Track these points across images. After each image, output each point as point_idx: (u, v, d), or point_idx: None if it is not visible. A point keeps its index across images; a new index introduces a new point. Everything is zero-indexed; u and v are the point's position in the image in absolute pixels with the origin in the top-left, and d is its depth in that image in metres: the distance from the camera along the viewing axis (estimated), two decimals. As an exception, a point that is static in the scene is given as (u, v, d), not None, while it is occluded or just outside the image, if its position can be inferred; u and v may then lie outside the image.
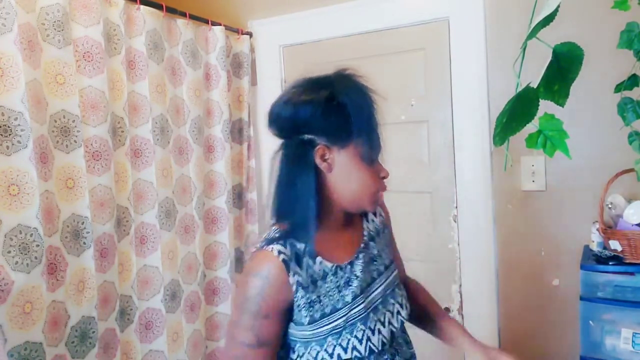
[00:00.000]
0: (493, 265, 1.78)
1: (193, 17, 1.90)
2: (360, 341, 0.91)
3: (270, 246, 0.90)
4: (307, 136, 0.90)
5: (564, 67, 0.76)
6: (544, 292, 1.71)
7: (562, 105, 0.78)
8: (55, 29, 1.36)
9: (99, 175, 1.48)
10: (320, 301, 0.91)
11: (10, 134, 1.22)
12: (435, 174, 1.91)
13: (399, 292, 1.03)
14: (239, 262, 2.13)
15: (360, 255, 0.98)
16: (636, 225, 1.34)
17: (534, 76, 0.78)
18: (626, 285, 1.40)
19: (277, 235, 0.92)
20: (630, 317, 1.37)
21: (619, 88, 1.22)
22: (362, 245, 1.00)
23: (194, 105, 1.89)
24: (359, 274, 0.96)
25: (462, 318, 1.86)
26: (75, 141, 1.40)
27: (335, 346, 0.90)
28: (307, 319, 0.90)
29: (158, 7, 1.72)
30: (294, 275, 0.89)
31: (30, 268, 1.24)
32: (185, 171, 1.87)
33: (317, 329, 0.91)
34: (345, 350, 0.90)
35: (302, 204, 0.90)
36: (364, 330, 0.92)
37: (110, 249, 1.53)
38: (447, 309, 1.89)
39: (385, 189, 0.97)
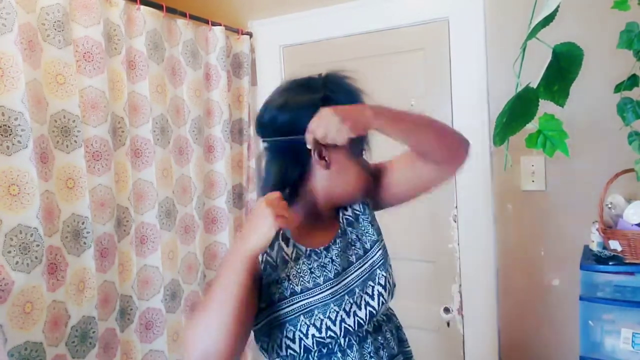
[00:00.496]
0: (493, 265, 1.78)
1: (193, 17, 1.90)
2: (334, 322, 0.93)
3: None
4: (303, 137, 0.92)
5: (564, 67, 0.77)
6: (544, 292, 1.71)
7: (562, 105, 0.78)
8: (55, 29, 1.36)
9: (99, 175, 1.48)
10: (289, 279, 0.94)
11: (10, 134, 1.22)
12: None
13: (381, 273, 1.02)
14: (239, 262, 2.12)
15: (338, 241, 1.01)
16: (636, 225, 1.34)
17: (534, 76, 0.78)
18: (626, 285, 1.40)
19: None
20: (630, 317, 1.37)
21: (618, 88, 1.22)
22: (339, 231, 1.03)
23: (194, 106, 1.89)
24: (335, 258, 0.98)
25: (462, 318, 1.87)
26: (75, 141, 1.41)
27: (308, 326, 0.92)
28: (277, 295, 0.93)
29: (158, 7, 1.72)
30: (262, 254, 0.93)
31: (31, 268, 1.24)
32: (186, 171, 1.87)
33: (288, 306, 0.93)
34: (319, 330, 0.92)
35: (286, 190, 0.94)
36: (337, 312, 0.94)
37: (110, 249, 1.53)
38: (447, 309, 1.89)
39: (371, 182, 1.02)
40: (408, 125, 0.99)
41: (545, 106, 0.77)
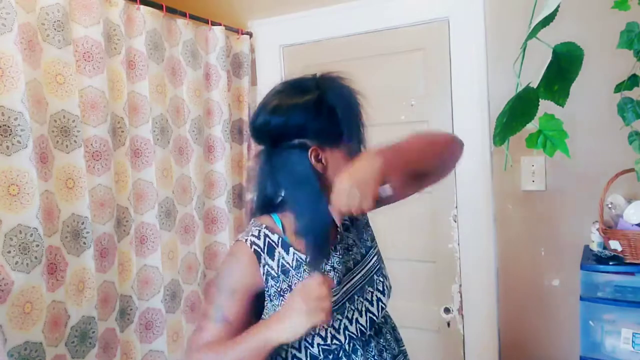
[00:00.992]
0: (493, 265, 1.78)
1: (193, 17, 1.90)
2: (338, 330, 0.92)
3: (246, 238, 0.94)
4: (297, 140, 0.90)
5: (564, 67, 0.76)
6: (544, 292, 1.71)
7: (562, 105, 0.78)
8: (55, 29, 1.36)
9: (99, 175, 1.48)
10: (291, 290, 0.92)
11: (10, 134, 1.22)
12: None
13: (378, 278, 1.03)
14: (239, 262, 2.12)
15: (338, 247, 1.00)
16: (636, 225, 1.34)
17: (534, 76, 0.78)
18: (626, 285, 1.40)
19: (253, 228, 0.96)
20: (630, 317, 1.37)
21: (619, 88, 1.22)
22: (338, 237, 1.01)
23: (194, 105, 1.89)
24: (336, 265, 0.97)
25: (462, 318, 1.87)
26: (75, 141, 1.40)
27: (313, 335, 0.91)
28: (280, 308, 0.91)
29: (158, 7, 1.72)
30: (264, 266, 0.92)
31: (30, 268, 1.24)
32: (185, 171, 1.87)
33: None
34: (324, 339, 0.91)
35: (314, 207, 0.89)
36: (340, 320, 0.93)
37: (110, 249, 1.53)
38: (447, 309, 1.89)
39: None
40: (411, 160, 0.95)
41: (545, 106, 0.77)
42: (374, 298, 1.00)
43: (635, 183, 1.28)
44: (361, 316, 0.96)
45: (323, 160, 0.92)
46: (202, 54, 1.95)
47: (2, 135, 1.21)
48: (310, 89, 0.92)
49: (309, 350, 0.92)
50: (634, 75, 1.19)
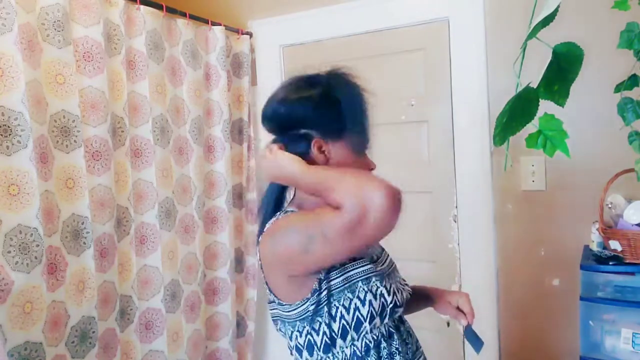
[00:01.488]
0: (493, 265, 1.78)
1: (193, 17, 1.90)
2: (388, 292, 0.95)
3: (292, 209, 0.99)
4: (303, 131, 0.94)
5: (564, 67, 0.76)
6: (544, 292, 1.71)
7: (562, 105, 0.78)
8: (55, 29, 1.36)
9: (99, 175, 1.48)
10: None
11: (10, 134, 1.22)
12: (435, 174, 1.91)
13: (399, 272, 1.10)
14: (239, 262, 2.13)
15: None
16: (636, 225, 1.34)
17: (534, 76, 0.78)
18: (626, 285, 1.40)
19: (288, 209, 1.01)
20: (630, 317, 1.37)
21: (619, 88, 1.22)
22: None
23: (194, 105, 1.89)
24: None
25: (462, 318, 1.87)
26: (75, 141, 1.40)
27: (366, 292, 0.93)
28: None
29: (158, 7, 1.72)
30: None
31: (30, 268, 1.24)
32: (185, 171, 1.87)
33: (348, 272, 0.94)
34: (375, 296, 0.94)
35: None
36: (387, 284, 0.96)
37: (110, 249, 1.53)
38: (447, 309, 1.89)
39: None
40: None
41: (545, 106, 0.77)
42: (403, 282, 1.07)
43: (635, 183, 1.27)
44: (398, 292, 0.99)
45: (326, 152, 0.95)
46: (202, 54, 1.95)
47: (2, 135, 1.21)
48: (318, 83, 0.96)
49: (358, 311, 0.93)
50: (634, 75, 1.19)
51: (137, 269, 1.65)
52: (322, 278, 0.93)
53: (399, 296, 0.98)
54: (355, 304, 0.93)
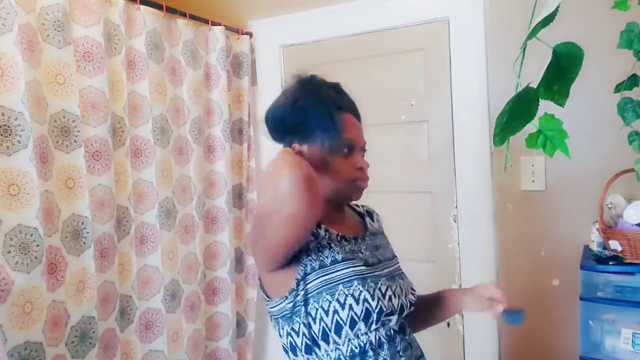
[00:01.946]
0: (493, 265, 1.78)
1: (193, 17, 1.90)
2: (372, 297, 0.94)
3: None
4: (287, 136, 1.01)
5: (564, 67, 0.76)
6: (544, 292, 1.71)
7: (562, 105, 0.78)
8: (55, 29, 1.36)
9: (99, 175, 1.48)
10: (330, 248, 0.98)
11: (10, 134, 1.22)
12: (435, 174, 1.91)
13: (406, 279, 1.09)
14: (239, 262, 2.13)
15: (367, 239, 1.07)
16: (636, 225, 1.34)
17: (534, 76, 0.78)
18: (626, 285, 1.40)
19: None
20: (630, 317, 1.37)
21: (618, 88, 1.22)
22: (367, 232, 1.10)
23: (194, 105, 1.89)
24: (363, 250, 1.03)
25: (462, 318, 1.86)
26: (75, 141, 1.41)
27: (347, 296, 0.93)
28: (317, 263, 0.95)
29: (158, 7, 1.72)
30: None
31: (30, 268, 1.24)
32: (185, 171, 1.87)
33: (328, 274, 0.95)
34: (357, 300, 0.92)
35: None
36: (374, 289, 0.95)
37: (110, 249, 1.53)
38: (447, 309, 1.89)
39: (363, 178, 1.04)
40: None
41: (546, 106, 0.77)
42: (406, 286, 1.05)
43: (635, 183, 1.28)
44: (395, 297, 0.99)
45: (304, 155, 0.97)
46: (202, 54, 1.95)
47: (2, 135, 1.21)
48: (289, 91, 1.01)
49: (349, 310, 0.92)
50: (634, 75, 1.19)
51: (137, 269, 1.65)
52: (300, 278, 0.95)
53: (387, 303, 0.95)
54: (335, 307, 0.93)
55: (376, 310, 0.93)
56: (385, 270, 1.04)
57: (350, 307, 0.92)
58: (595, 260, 1.41)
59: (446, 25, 1.82)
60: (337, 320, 0.92)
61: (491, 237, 1.78)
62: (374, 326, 0.94)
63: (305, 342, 0.96)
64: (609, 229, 1.39)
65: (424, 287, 2.01)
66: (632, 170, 1.26)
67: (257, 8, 2.16)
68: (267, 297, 1.02)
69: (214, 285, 2.00)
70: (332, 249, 0.98)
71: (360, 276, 0.95)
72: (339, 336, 0.93)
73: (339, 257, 0.97)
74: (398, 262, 1.11)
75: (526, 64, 0.79)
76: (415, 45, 1.90)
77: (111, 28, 1.56)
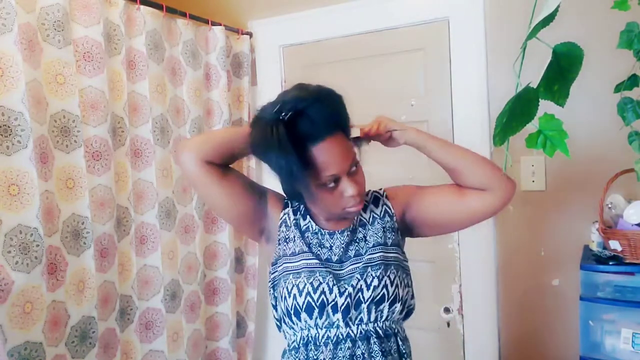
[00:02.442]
0: (493, 265, 1.78)
1: (193, 17, 1.90)
2: (315, 290, 1.00)
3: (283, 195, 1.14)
4: None
5: (564, 67, 0.76)
6: (544, 292, 1.71)
7: (562, 105, 0.78)
8: (55, 29, 1.36)
9: (99, 175, 1.48)
10: (294, 240, 1.07)
11: (10, 134, 1.22)
12: (435, 174, 1.91)
13: (374, 274, 1.02)
14: (239, 262, 2.13)
15: (345, 233, 1.09)
16: (636, 225, 1.34)
17: (534, 76, 0.78)
18: (626, 285, 1.40)
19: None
20: (630, 317, 1.37)
21: (618, 88, 1.22)
22: (350, 226, 1.10)
23: (194, 105, 1.89)
24: (333, 247, 1.07)
25: (462, 318, 1.86)
26: (75, 141, 1.41)
27: (293, 286, 1.02)
28: (282, 252, 1.08)
29: (158, 7, 1.72)
30: (285, 213, 1.11)
31: (30, 268, 1.24)
32: (185, 171, 1.87)
33: (285, 263, 1.06)
34: (300, 292, 1.01)
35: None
36: (320, 282, 1.00)
37: (110, 249, 1.53)
38: (447, 309, 1.89)
39: (352, 205, 1.01)
40: (438, 142, 1.14)
41: (545, 106, 0.77)
42: (358, 286, 1.01)
43: (635, 183, 1.27)
44: (340, 295, 1.00)
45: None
46: (202, 54, 1.95)
47: (2, 135, 1.21)
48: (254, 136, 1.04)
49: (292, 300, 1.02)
50: (634, 75, 1.19)
51: (137, 269, 1.65)
52: (273, 262, 1.09)
53: (330, 298, 0.99)
54: (284, 295, 1.02)
55: (318, 303, 0.99)
56: (345, 269, 1.04)
57: (294, 297, 1.00)
58: (595, 260, 1.41)
59: (446, 25, 1.82)
60: (286, 307, 1.02)
61: (491, 237, 1.78)
62: (319, 320, 0.99)
63: (275, 320, 1.10)
64: (609, 229, 1.39)
65: (424, 287, 2.02)
66: (632, 170, 1.26)
67: (257, 8, 2.16)
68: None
69: (214, 285, 2.00)
70: (295, 242, 1.07)
71: (308, 269, 1.02)
72: (292, 322, 1.02)
73: (297, 249, 1.06)
74: (372, 254, 1.05)
75: (526, 64, 0.79)
76: (415, 45, 1.90)
77: (111, 28, 1.56)
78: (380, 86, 1.96)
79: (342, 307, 0.99)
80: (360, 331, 1.00)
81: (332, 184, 0.97)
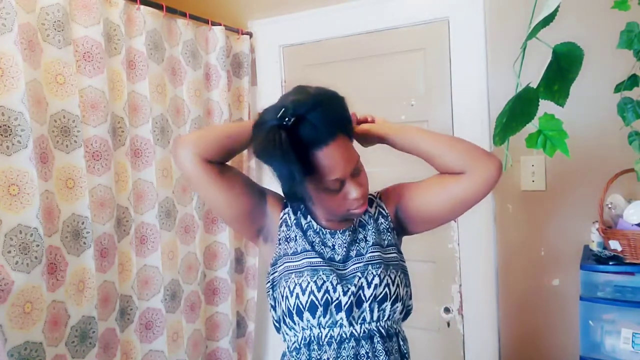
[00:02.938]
0: (493, 265, 1.78)
1: (193, 17, 1.90)
2: (319, 289, 0.99)
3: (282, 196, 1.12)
4: None
5: (564, 67, 0.76)
6: (544, 292, 1.71)
7: (562, 105, 0.78)
8: (55, 29, 1.36)
9: (99, 175, 1.48)
10: (295, 240, 1.06)
11: (10, 134, 1.22)
12: (435, 174, 1.91)
13: (374, 272, 1.02)
14: (239, 262, 2.13)
15: (346, 233, 1.08)
16: (636, 225, 1.34)
17: (534, 76, 0.78)
18: (626, 285, 1.40)
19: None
20: (630, 317, 1.37)
21: (618, 88, 1.22)
22: (351, 227, 1.10)
23: (194, 105, 1.89)
24: (336, 246, 1.06)
25: (462, 318, 1.86)
26: (75, 141, 1.41)
27: (296, 285, 1.00)
28: (283, 251, 1.07)
29: (158, 7, 1.72)
30: (285, 213, 1.10)
31: (30, 268, 1.24)
32: (185, 171, 1.87)
33: (286, 262, 1.05)
34: (303, 291, 0.99)
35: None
36: (323, 281, 0.99)
37: (110, 249, 1.53)
38: (447, 309, 1.89)
39: (356, 207, 1.00)
40: (414, 134, 1.08)
41: (545, 106, 0.77)
42: (359, 284, 1.00)
43: (635, 183, 1.28)
44: (344, 294, 0.99)
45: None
46: (202, 54, 1.95)
47: (2, 135, 1.21)
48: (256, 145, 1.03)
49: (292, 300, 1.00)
50: (634, 75, 1.19)
51: (137, 269, 1.65)
52: (272, 262, 1.07)
53: (334, 297, 0.98)
54: (285, 295, 1.00)
55: (322, 302, 0.98)
56: (348, 269, 1.03)
57: (297, 296, 0.99)
58: (595, 260, 1.41)
59: (446, 25, 1.82)
60: (288, 306, 1.00)
61: (491, 237, 1.78)
62: (322, 319, 0.98)
63: (274, 321, 1.08)
64: (609, 229, 1.39)
65: (424, 287, 2.02)
66: (632, 170, 1.26)
67: (257, 8, 2.16)
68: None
69: (214, 285, 2.00)
70: (297, 241, 1.06)
71: (311, 268, 1.01)
72: (293, 322, 1.00)
73: (299, 248, 1.05)
74: (371, 253, 1.05)
75: (526, 64, 0.79)
76: (415, 45, 1.90)
77: (111, 28, 1.56)
78: (380, 86, 1.96)
79: (346, 306, 0.98)
80: (364, 330, 1.00)
81: (336, 187, 0.97)
